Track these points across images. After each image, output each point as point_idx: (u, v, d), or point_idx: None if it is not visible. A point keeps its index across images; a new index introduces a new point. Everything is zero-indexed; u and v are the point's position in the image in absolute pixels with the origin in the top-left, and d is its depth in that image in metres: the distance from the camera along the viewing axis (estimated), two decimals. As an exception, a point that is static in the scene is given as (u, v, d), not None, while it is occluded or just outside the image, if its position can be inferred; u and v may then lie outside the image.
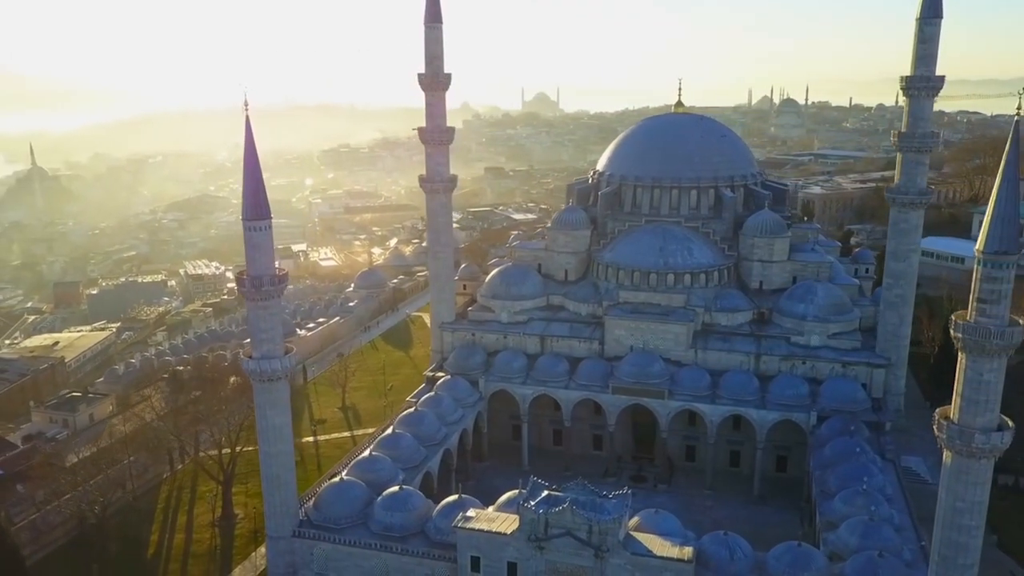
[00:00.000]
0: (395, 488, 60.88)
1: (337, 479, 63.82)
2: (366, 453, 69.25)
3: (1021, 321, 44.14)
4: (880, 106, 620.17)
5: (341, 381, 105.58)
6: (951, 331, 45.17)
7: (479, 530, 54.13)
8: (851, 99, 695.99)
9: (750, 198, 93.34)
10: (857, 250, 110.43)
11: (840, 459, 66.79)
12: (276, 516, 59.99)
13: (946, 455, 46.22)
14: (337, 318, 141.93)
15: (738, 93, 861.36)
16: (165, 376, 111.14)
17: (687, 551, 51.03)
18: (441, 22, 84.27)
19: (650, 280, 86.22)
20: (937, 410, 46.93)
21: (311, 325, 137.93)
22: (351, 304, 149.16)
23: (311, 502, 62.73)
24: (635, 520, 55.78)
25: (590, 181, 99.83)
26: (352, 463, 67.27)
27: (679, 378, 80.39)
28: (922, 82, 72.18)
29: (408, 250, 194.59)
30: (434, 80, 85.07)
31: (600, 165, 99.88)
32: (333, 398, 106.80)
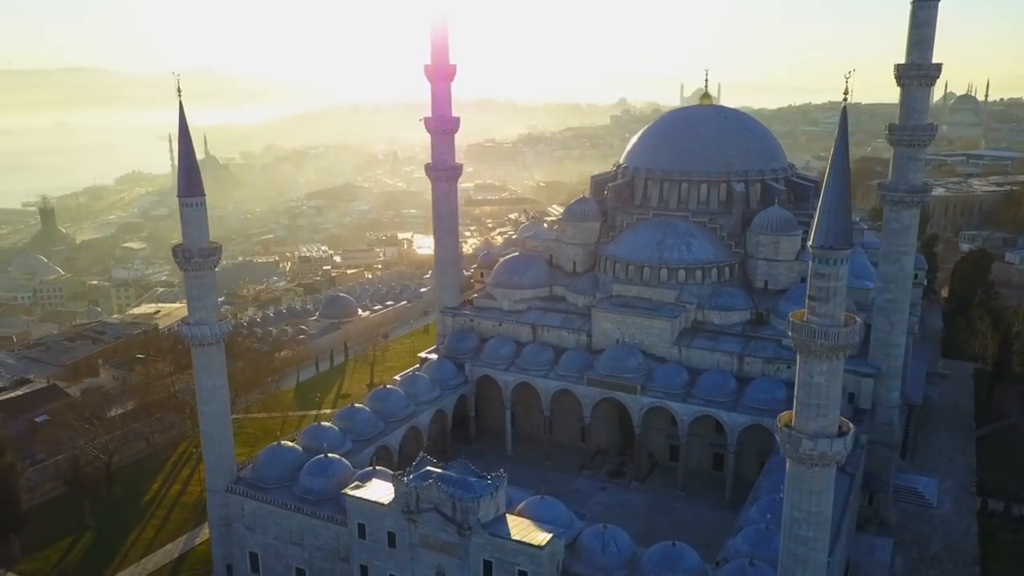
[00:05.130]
0: (320, 455, 64.22)
1: (275, 443, 68.12)
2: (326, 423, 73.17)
3: (857, 320, 41.21)
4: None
5: (371, 360, 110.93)
6: (791, 332, 42.64)
7: (362, 498, 56.54)
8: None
9: (767, 194, 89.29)
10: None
11: (780, 467, 63.38)
12: (212, 471, 65.05)
13: (787, 462, 43.80)
14: (404, 302, 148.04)
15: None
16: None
17: (544, 538, 50.98)
18: (445, 13, 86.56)
19: (643, 274, 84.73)
20: (781, 414, 44.46)
21: (377, 307, 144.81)
22: (423, 290, 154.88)
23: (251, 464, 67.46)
24: (521, 505, 56.19)
25: (611, 173, 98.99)
26: (303, 430, 71.48)
27: (655, 374, 78.82)
28: (914, 70, 66.66)
29: (499, 241, 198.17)
30: (439, 70, 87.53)
31: (622, 157, 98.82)
32: (365, 375, 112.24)
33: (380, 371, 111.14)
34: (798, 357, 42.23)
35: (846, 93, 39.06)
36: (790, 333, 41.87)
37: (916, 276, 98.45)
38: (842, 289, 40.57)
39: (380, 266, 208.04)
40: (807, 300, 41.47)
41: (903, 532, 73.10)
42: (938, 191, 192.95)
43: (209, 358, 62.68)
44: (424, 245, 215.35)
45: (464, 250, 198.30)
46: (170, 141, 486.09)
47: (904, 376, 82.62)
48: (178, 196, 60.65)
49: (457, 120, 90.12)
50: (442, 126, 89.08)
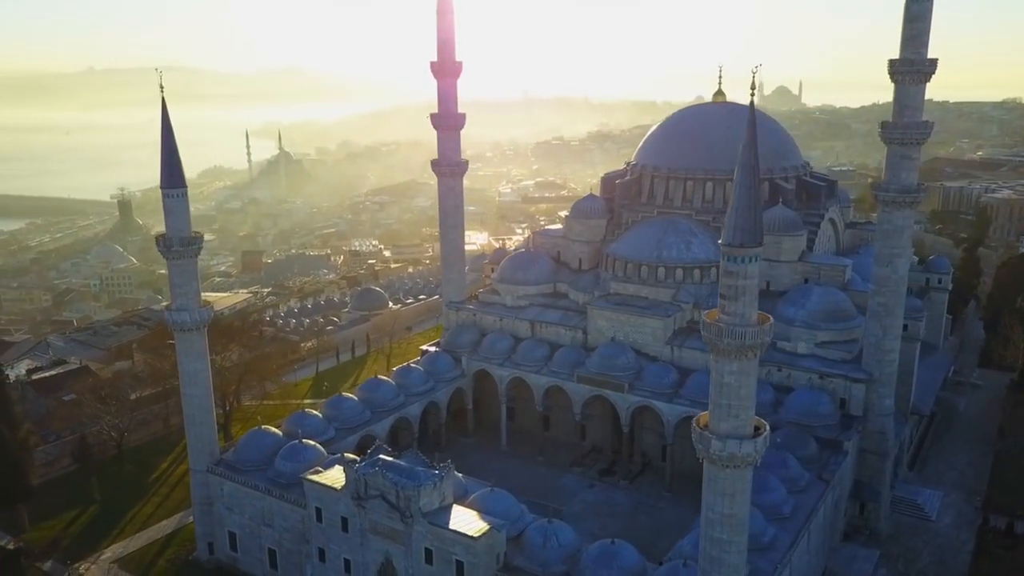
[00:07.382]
0: (295, 441, 66.12)
1: (256, 427, 70.38)
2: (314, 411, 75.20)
3: (770, 319, 40.33)
4: None
5: (386, 352, 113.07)
6: (702, 331, 42.06)
7: (317, 483, 58.10)
8: None
9: (776, 193, 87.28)
10: (931, 258, 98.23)
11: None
12: (194, 451, 67.72)
13: (704, 463, 43.17)
14: (436, 296, 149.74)
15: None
16: (255, 334, 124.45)
17: (482, 529, 51.44)
18: (452, 10, 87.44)
19: (641, 272, 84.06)
20: (700, 415, 43.79)
21: (409, 300, 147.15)
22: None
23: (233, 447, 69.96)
24: (473, 496, 56.77)
25: (623, 170, 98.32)
26: (288, 417, 73.68)
27: (645, 373, 78.14)
28: (907, 66, 64.19)
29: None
30: (445, 67, 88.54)
31: (634, 154, 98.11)
32: (383, 367, 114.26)
33: (397, 363, 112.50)
34: (711, 356, 41.62)
35: (752, 88, 38.25)
36: (702, 332, 41.31)
37: (940, 281, 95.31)
38: (752, 287, 39.78)
39: (428, 261, 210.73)
40: (719, 298, 40.84)
41: (893, 544, 70.62)
42: (1004, 193, 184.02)
43: (191, 343, 65.33)
44: (471, 243, 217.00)
45: (509, 245, 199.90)
46: (247, 137, 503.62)
47: (911, 384, 79.81)
48: (161, 188, 63.13)
49: (463, 116, 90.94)
50: (447, 122, 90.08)
